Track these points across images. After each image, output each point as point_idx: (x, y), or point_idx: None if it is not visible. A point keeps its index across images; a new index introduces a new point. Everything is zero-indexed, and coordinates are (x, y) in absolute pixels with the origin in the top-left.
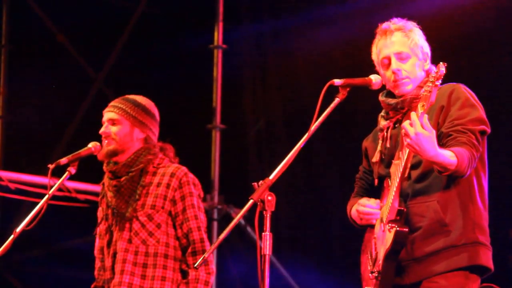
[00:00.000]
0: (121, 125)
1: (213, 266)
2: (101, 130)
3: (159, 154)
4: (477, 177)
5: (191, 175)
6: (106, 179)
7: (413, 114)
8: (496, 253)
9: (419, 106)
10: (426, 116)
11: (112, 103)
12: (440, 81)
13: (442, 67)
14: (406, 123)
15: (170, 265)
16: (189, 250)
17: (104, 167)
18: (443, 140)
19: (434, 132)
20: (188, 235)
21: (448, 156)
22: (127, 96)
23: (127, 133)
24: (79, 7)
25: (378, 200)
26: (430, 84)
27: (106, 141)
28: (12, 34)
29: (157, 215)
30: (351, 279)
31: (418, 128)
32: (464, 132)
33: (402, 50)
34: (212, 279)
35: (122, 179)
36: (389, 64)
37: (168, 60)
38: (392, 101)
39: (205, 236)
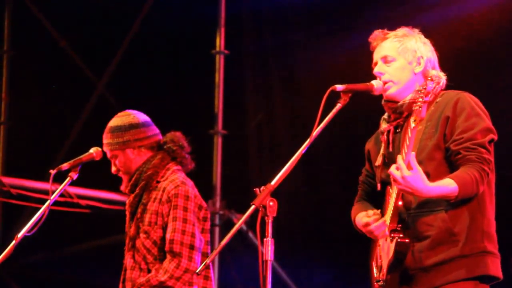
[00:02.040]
0: (117, 157)
1: (184, 264)
2: (112, 170)
3: (163, 162)
4: (488, 184)
5: (183, 188)
6: None
7: (399, 158)
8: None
9: (411, 120)
10: (413, 154)
11: (103, 140)
12: (429, 97)
13: (430, 84)
14: (392, 168)
15: None
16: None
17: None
18: (452, 158)
19: (420, 170)
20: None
21: (446, 185)
22: (108, 125)
23: (124, 160)
24: (81, 13)
25: (384, 220)
26: (420, 100)
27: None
28: (14, 40)
29: (152, 232)
30: (353, 281)
31: (405, 171)
32: (473, 149)
33: (388, 54)
34: (179, 274)
35: (131, 197)
36: None
37: (170, 65)
38: (392, 105)
39: (182, 243)
